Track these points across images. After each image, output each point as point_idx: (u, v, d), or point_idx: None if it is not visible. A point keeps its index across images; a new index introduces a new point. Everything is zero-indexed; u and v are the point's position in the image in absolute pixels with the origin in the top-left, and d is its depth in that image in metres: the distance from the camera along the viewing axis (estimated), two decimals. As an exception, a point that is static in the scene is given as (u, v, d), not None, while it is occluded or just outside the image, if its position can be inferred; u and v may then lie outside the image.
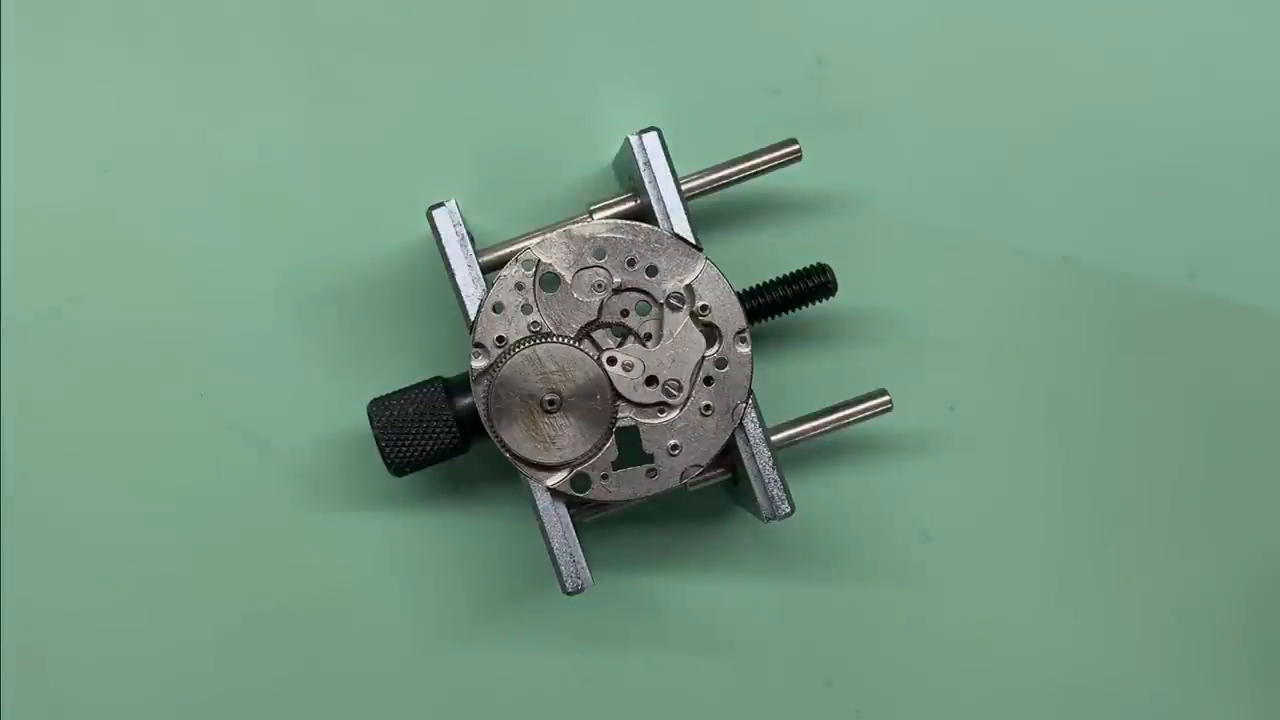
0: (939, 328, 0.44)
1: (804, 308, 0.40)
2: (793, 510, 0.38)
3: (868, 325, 0.43)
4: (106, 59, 0.43)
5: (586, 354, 0.37)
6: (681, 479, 0.37)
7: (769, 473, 0.38)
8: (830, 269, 0.40)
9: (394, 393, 0.39)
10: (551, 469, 0.37)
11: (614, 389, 0.37)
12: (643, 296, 0.37)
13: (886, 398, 0.40)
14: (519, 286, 0.37)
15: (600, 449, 0.37)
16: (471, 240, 0.39)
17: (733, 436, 0.38)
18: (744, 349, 0.37)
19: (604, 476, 0.37)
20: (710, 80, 0.43)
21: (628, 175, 0.40)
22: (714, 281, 0.37)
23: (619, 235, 0.37)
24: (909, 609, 0.44)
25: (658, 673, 0.44)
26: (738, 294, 0.38)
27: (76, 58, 0.43)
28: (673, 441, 0.37)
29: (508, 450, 0.37)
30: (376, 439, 0.39)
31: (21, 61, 0.43)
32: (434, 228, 0.38)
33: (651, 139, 0.38)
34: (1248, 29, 0.44)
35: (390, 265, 0.43)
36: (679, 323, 0.37)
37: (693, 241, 0.37)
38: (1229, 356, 0.44)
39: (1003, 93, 0.44)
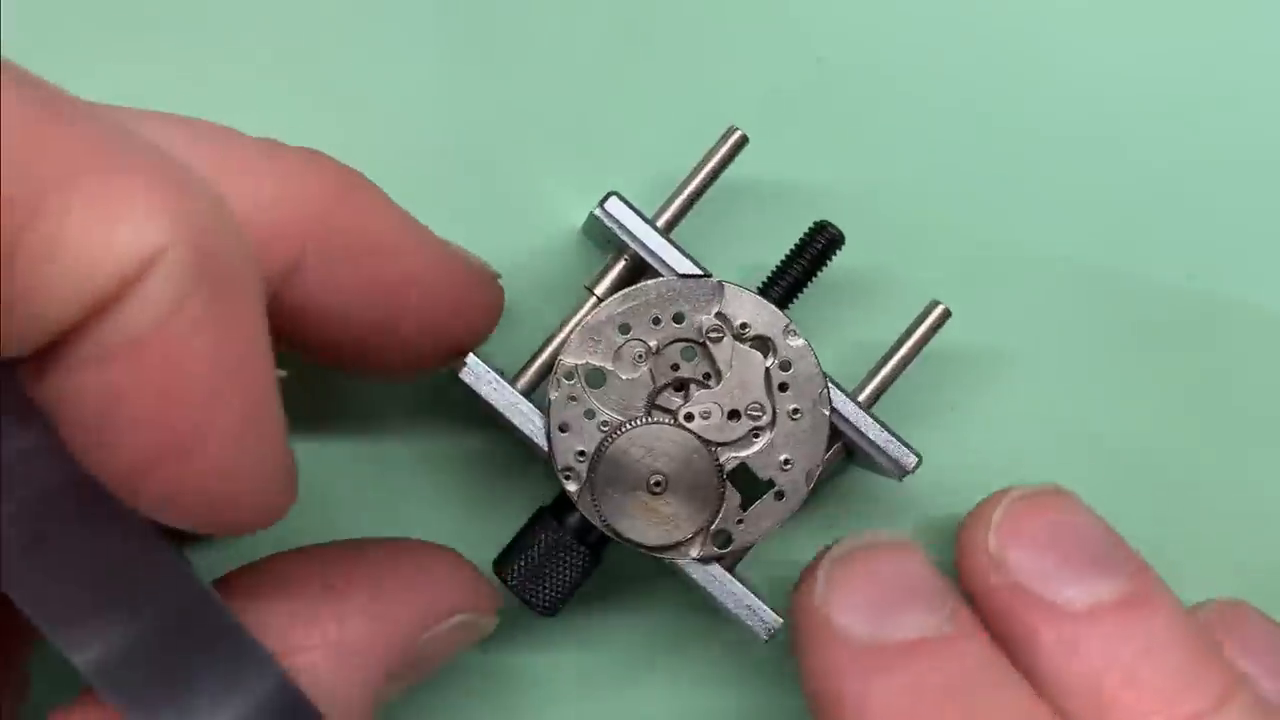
0: (939, 328, 0.43)
1: (823, 270, 0.40)
2: (919, 460, 0.38)
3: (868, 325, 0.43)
4: (106, 58, 0.42)
5: (663, 423, 0.37)
6: (808, 483, 0.37)
7: (878, 435, 0.38)
8: (829, 222, 0.40)
9: (509, 545, 0.39)
10: (688, 543, 0.37)
11: (704, 440, 0.37)
12: (684, 344, 0.37)
13: (942, 306, 0.40)
14: (572, 399, 0.37)
15: (722, 500, 0.37)
16: (501, 374, 0.38)
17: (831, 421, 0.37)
18: (798, 341, 0.37)
19: (739, 522, 0.37)
20: (710, 80, 0.43)
21: (605, 240, 0.40)
22: (738, 297, 0.37)
23: (632, 304, 0.37)
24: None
25: (657, 672, 0.44)
26: (762, 293, 0.37)
27: (76, 57, 0.41)
28: (782, 457, 0.37)
29: (641, 547, 0.37)
30: (518, 595, 0.39)
31: (21, 60, 0.42)
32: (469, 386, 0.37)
33: (614, 205, 0.37)
34: (1248, 31, 0.44)
35: None
36: (728, 350, 0.37)
37: (700, 272, 0.37)
38: (1229, 357, 0.44)
39: (1003, 93, 0.43)
